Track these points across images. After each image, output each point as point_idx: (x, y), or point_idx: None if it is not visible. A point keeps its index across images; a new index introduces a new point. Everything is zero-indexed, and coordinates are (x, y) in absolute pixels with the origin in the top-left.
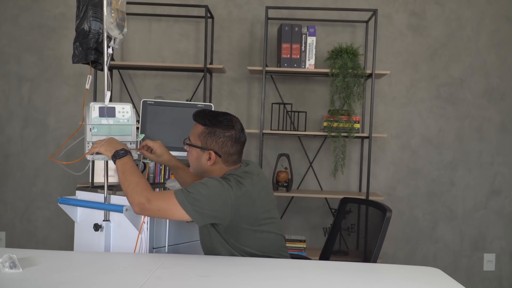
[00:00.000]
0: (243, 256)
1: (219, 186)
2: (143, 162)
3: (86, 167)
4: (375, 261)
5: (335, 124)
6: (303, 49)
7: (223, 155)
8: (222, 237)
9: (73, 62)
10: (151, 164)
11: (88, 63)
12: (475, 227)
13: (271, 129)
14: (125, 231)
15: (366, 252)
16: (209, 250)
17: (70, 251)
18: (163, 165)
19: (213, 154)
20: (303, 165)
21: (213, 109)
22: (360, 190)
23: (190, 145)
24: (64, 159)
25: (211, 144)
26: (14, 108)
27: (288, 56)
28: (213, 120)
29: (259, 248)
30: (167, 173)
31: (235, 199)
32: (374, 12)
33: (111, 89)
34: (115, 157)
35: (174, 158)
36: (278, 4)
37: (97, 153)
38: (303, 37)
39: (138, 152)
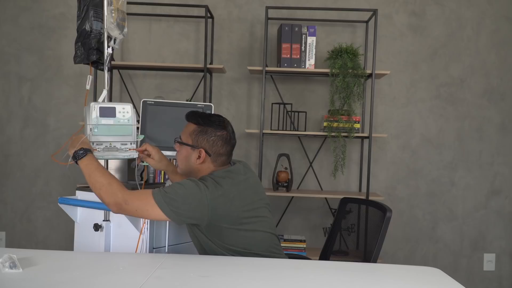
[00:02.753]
0: (229, 254)
1: (194, 187)
2: (140, 165)
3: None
4: (375, 261)
5: (335, 124)
6: (303, 49)
7: (213, 155)
8: (206, 237)
9: (75, 63)
10: None
11: (89, 63)
12: (475, 227)
13: (271, 129)
14: (125, 231)
15: (366, 252)
16: (200, 250)
17: (70, 251)
18: None
19: (203, 152)
20: (303, 165)
21: (213, 109)
22: (360, 190)
23: (181, 143)
24: (66, 160)
25: (202, 142)
26: (14, 108)
27: (288, 56)
28: (205, 120)
29: (244, 246)
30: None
31: (211, 199)
32: (374, 12)
33: (109, 88)
34: (75, 158)
35: (172, 164)
36: (278, 4)
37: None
38: (303, 37)
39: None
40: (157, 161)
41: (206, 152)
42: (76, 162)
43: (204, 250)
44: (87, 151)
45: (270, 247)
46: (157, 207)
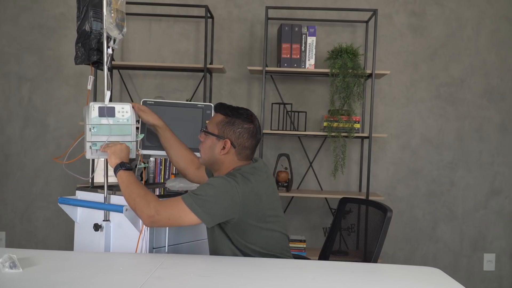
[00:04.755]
0: (247, 253)
1: (226, 184)
2: (139, 167)
3: (92, 175)
4: (375, 261)
5: (335, 124)
6: (303, 49)
7: (238, 147)
8: (227, 236)
9: (76, 63)
10: (151, 165)
11: (89, 64)
12: (475, 227)
13: (271, 129)
14: (125, 231)
15: (366, 252)
16: (213, 250)
17: (70, 251)
18: (163, 165)
19: (228, 143)
20: (303, 165)
21: (213, 109)
22: (360, 190)
23: (207, 132)
24: (65, 160)
25: (228, 133)
26: (14, 108)
27: (288, 56)
28: (233, 112)
29: (263, 246)
30: (167, 173)
31: (243, 195)
32: (374, 12)
33: (111, 89)
34: (122, 167)
35: (161, 119)
36: (278, 4)
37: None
38: (303, 37)
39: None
40: (148, 113)
41: (231, 143)
42: (117, 171)
43: (217, 250)
44: (124, 166)
45: (283, 249)
46: (190, 211)
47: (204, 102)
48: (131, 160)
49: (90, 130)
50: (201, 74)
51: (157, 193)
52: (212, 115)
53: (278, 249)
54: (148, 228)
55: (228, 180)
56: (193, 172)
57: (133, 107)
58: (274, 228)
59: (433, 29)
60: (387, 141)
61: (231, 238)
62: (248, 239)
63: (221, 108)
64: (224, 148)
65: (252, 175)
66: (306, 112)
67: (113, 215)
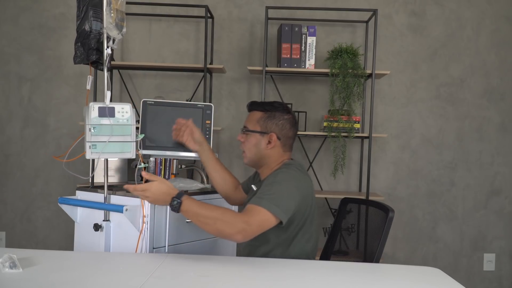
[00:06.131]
0: (280, 254)
1: (290, 178)
2: (139, 167)
3: (92, 174)
4: (377, 261)
5: (335, 124)
6: (303, 49)
7: (282, 138)
8: (279, 239)
9: (75, 63)
10: (151, 165)
11: (88, 63)
12: (475, 227)
13: None
14: (125, 231)
15: (367, 252)
16: (249, 251)
17: (70, 251)
18: (163, 165)
19: (274, 136)
20: (303, 165)
21: (213, 109)
22: (360, 190)
23: (250, 131)
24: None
25: (272, 127)
26: (14, 108)
27: (288, 56)
28: (270, 106)
29: (304, 246)
30: (167, 173)
31: (305, 188)
32: (374, 12)
33: (111, 89)
34: (173, 203)
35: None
36: (278, 4)
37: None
38: (303, 37)
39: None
40: (199, 142)
41: (276, 136)
42: (175, 210)
43: (252, 250)
44: (181, 192)
45: (309, 255)
46: (270, 213)
47: (204, 102)
48: (131, 160)
49: (90, 130)
50: (201, 74)
51: None
52: (248, 114)
53: (312, 251)
54: (148, 227)
55: (293, 175)
56: (235, 194)
57: (186, 125)
58: (311, 232)
59: (433, 29)
60: (387, 141)
61: (282, 242)
62: (304, 233)
63: (256, 105)
64: (270, 142)
65: (301, 170)
66: (306, 112)
67: (113, 215)
